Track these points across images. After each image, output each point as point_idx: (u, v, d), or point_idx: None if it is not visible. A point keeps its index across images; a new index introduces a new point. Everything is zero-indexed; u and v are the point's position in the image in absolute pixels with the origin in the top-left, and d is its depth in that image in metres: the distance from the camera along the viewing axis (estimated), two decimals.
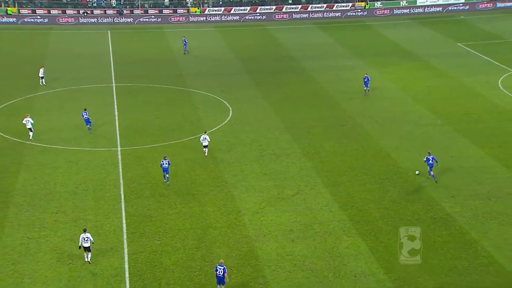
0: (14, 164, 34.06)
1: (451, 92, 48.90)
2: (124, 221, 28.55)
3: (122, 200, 30.51)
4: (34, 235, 27.29)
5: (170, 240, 27.19)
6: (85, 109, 39.51)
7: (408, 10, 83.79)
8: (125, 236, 27.38)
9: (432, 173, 32.72)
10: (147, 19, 77.89)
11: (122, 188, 31.69)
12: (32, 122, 37.96)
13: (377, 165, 35.13)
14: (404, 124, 41.76)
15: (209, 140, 36.02)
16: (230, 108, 44.67)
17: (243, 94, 48.44)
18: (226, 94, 47.92)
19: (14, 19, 74.31)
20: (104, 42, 66.74)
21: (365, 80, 47.79)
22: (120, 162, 34.99)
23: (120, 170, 33.91)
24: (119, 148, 37.00)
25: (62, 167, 33.95)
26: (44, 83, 48.91)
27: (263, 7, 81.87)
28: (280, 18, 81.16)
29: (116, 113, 43.17)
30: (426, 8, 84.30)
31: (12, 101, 44.47)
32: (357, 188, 32.22)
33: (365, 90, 47.62)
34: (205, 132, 36.66)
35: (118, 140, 38.29)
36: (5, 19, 74.14)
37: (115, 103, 45.24)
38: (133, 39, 69.06)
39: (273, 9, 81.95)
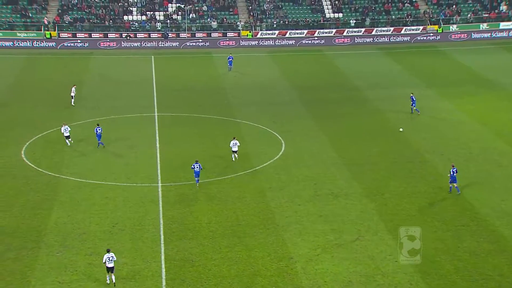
0: (47, 200, 35.17)
1: None
2: (163, 266, 28.83)
3: (162, 242, 30.89)
4: (66, 279, 27.88)
5: None
6: (98, 124, 43.33)
7: (489, 34, 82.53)
8: (164, 283, 27.59)
9: (455, 185, 35.45)
10: (194, 43, 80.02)
11: (162, 229, 32.12)
12: (70, 129, 43.26)
13: (451, 209, 34.23)
14: (482, 162, 40.69)
15: (239, 145, 40.44)
16: (283, 142, 44.86)
17: (297, 126, 48.62)
18: (278, 126, 48.23)
19: (54, 43, 77.96)
20: (147, 67, 68.88)
21: (412, 99, 50.31)
22: (160, 199, 35.56)
23: (161, 208, 34.43)
24: (159, 184, 37.67)
25: (98, 204, 34.81)
26: (73, 104, 52.56)
27: (321, 30, 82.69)
28: (341, 43, 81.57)
29: (157, 145, 44.14)
30: (510, 32, 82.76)
31: (47, 131, 46.26)
32: (427, 235, 31.40)
33: (415, 110, 50.30)
34: (234, 138, 40.85)
35: (159, 175, 39.02)
36: (44, 43, 77.91)
37: (157, 135, 46.30)
38: (178, 65, 70.96)
39: (333, 33, 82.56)
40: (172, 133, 46.81)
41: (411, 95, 51.25)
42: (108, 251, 27.53)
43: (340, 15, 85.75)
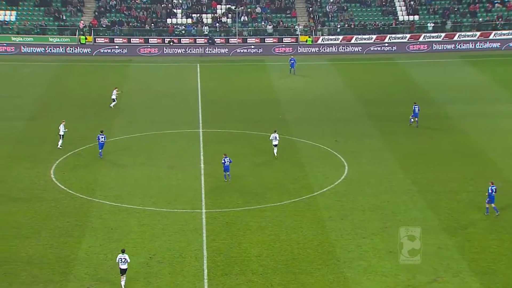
0: (78, 227, 35.98)
1: None
2: None
3: (205, 277, 31.11)
4: None
5: None
6: (101, 131, 45.84)
7: None
8: None
9: (493, 205, 36.21)
10: (245, 50, 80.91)
11: (205, 262, 32.36)
12: (65, 130, 46.73)
13: None
14: None
15: (279, 139, 44.88)
16: (346, 164, 44.68)
17: (363, 145, 48.38)
18: (341, 146, 48.10)
19: (89, 50, 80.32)
20: (192, 77, 70.00)
21: (415, 110, 51.72)
22: (204, 228, 35.89)
23: (204, 238, 34.73)
24: (203, 210, 38.04)
25: (134, 232, 35.39)
26: (111, 106, 56.84)
27: (393, 35, 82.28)
28: (416, 50, 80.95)
29: (202, 165, 44.66)
30: None
31: (80, 148, 47.50)
32: None
33: (415, 121, 51.82)
34: (275, 131, 45.32)
35: (203, 200, 39.42)
36: (78, 50, 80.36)
37: (202, 153, 46.87)
38: (227, 74, 71.80)
39: (407, 38, 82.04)
40: (219, 152, 47.17)
41: (414, 104, 52.02)
42: (122, 252, 29.87)
43: (416, 17, 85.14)
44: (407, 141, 49.33)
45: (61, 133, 46.99)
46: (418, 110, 51.97)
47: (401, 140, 49.43)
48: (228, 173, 41.32)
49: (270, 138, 45.46)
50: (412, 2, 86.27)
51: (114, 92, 57.31)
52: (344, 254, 32.97)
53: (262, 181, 42.02)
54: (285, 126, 52.70)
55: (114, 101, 57.06)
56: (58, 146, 47.00)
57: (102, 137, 45.47)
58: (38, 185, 41.52)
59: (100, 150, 45.49)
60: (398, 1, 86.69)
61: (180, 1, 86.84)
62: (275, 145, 45.19)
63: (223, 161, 41.23)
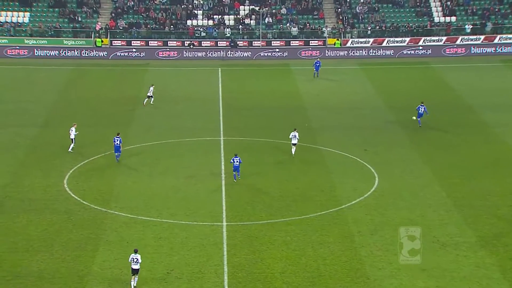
0: (92, 240, 36.23)
1: None
2: None
3: None
4: None
5: None
6: (118, 134, 46.50)
7: None
8: None
9: None
10: (269, 53, 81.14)
11: (226, 278, 32.39)
12: (76, 133, 47.89)
13: None
14: None
15: (298, 138, 46.51)
16: (376, 175, 44.53)
17: (394, 155, 48.20)
18: (371, 156, 47.96)
19: (105, 53, 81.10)
20: (213, 82, 70.32)
21: (419, 110, 52.98)
22: (225, 242, 35.95)
23: (225, 253, 34.79)
24: (224, 223, 38.11)
25: (151, 246, 35.54)
26: (146, 103, 60.33)
27: (428, 38, 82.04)
28: (453, 53, 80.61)
29: (223, 176, 44.74)
30: None
31: (95, 157, 47.88)
32: None
33: (418, 121, 53.30)
34: (295, 129, 47.00)
35: (224, 212, 39.49)
36: (94, 53, 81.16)
37: (223, 163, 46.97)
38: (250, 79, 71.99)
39: (443, 41, 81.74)
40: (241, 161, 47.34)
41: (420, 105, 53.27)
42: (135, 252, 30.97)
43: (453, 19, 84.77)
44: (442, 151, 49.06)
45: (72, 136, 47.97)
46: (424, 110, 53.16)
47: (435, 150, 49.17)
48: (237, 173, 43.00)
49: (290, 137, 47.03)
50: (448, 3, 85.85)
51: (151, 89, 60.61)
52: (374, 271, 32.81)
53: (286, 193, 42.00)
54: (311, 134, 52.71)
55: (151, 97, 60.37)
56: (69, 150, 48.02)
57: (117, 139, 46.07)
58: (51, 195, 41.90)
59: (116, 154, 46.26)
60: (434, 2, 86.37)
61: (201, 2, 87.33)
62: (294, 144, 46.84)
63: (232, 161, 43.03)
